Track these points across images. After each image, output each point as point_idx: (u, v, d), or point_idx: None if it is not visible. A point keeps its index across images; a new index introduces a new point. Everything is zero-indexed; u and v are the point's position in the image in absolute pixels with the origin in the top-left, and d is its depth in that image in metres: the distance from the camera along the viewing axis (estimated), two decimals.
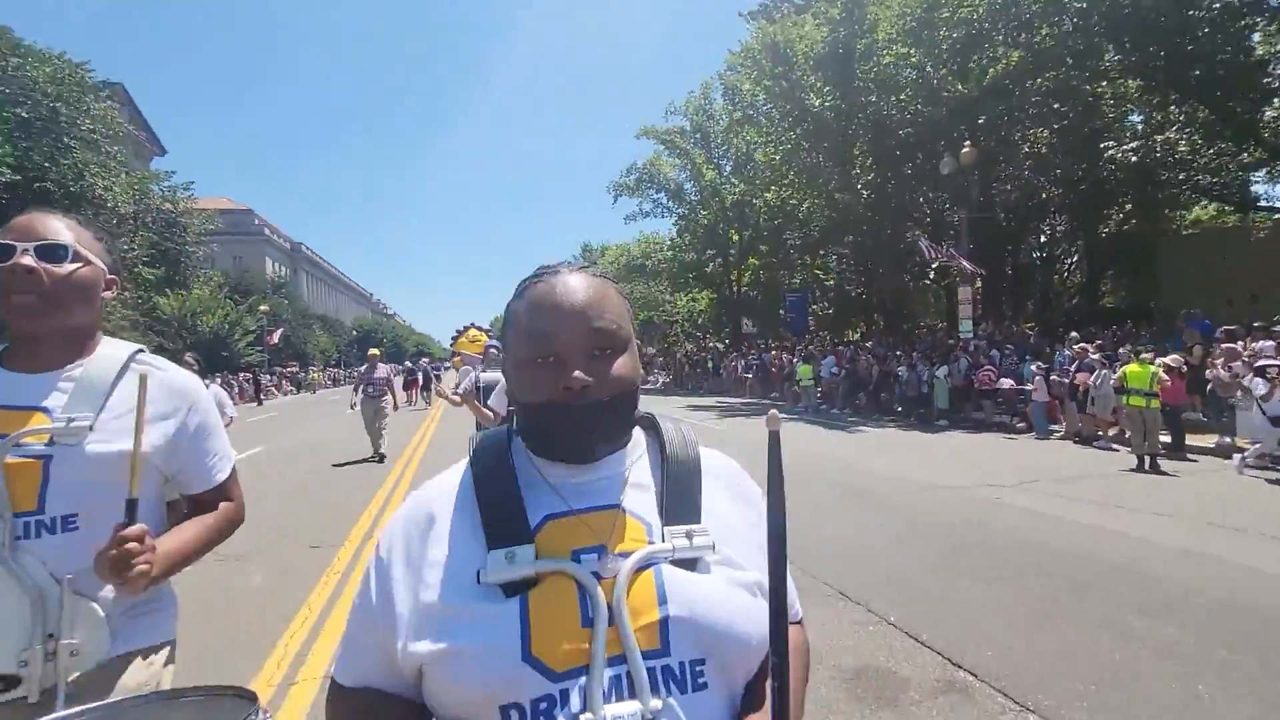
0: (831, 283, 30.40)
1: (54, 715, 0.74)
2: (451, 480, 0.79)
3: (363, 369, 10.71)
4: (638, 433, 0.84)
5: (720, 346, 33.25)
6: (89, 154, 13.46)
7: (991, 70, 16.69)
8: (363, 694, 0.74)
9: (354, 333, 73.09)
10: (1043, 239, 23.29)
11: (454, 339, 29.32)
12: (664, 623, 0.66)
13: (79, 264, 1.18)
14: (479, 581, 0.68)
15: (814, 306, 31.32)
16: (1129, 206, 19.13)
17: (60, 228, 1.20)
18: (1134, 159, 16.32)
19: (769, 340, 27.81)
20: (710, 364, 30.00)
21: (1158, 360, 9.20)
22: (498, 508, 0.72)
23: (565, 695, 0.63)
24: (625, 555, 0.69)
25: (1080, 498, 6.48)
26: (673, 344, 42.75)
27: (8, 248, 1.13)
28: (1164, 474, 7.83)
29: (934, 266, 20.32)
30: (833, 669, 3.01)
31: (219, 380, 30.03)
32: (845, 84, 18.39)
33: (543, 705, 0.63)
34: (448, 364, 41.08)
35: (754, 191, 27.67)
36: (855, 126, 19.21)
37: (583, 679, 0.64)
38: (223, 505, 1.35)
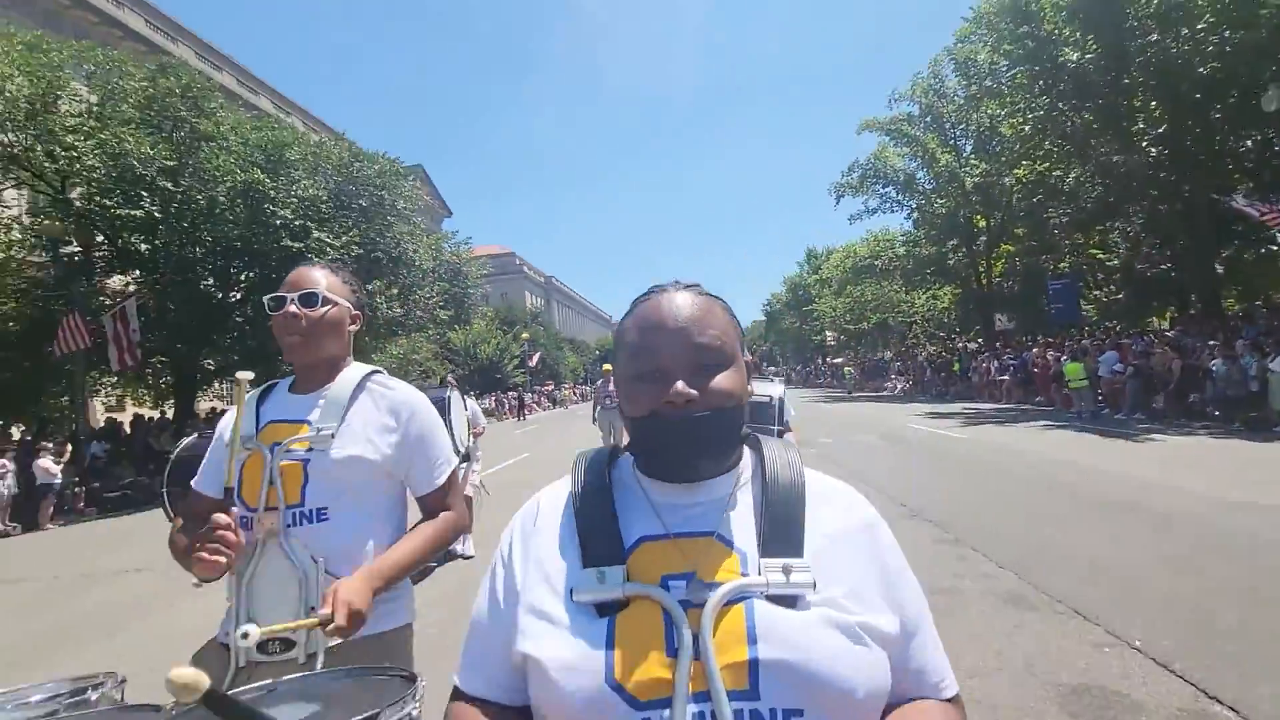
0: (1116, 262, 25.17)
1: (253, 685, 0.88)
2: (561, 492, 0.80)
3: (599, 383, 11.50)
4: (746, 455, 0.81)
5: (971, 346, 29.67)
6: (403, 226, 17.45)
7: None
8: (480, 705, 0.73)
9: (597, 351, 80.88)
10: None
11: None
12: (753, 664, 0.61)
13: (328, 306, 1.42)
14: (572, 598, 0.68)
15: (1096, 292, 26.27)
16: None
17: (317, 278, 1.44)
18: None
19: (1035, 336, 24.07)
20: (957, 366, 27.01)
21: None
22: (593, 526, 0.72)
23: None
24: (715, 585, 0.65)
25: None
26: (912, 346, 39.32)
27: (281, 299, 1.40)
28: None
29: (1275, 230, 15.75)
30: (1046, 684, 2.78)
31: (479, 397, 35.87)
32: (1114, 27, 15.43)
33: None
34: None
35: (1001, 169, 24.40)
36: (1133, 74, 15.94)
37: (666, 711, 0.60)
38: (443, 515, 1.44)
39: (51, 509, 11.50)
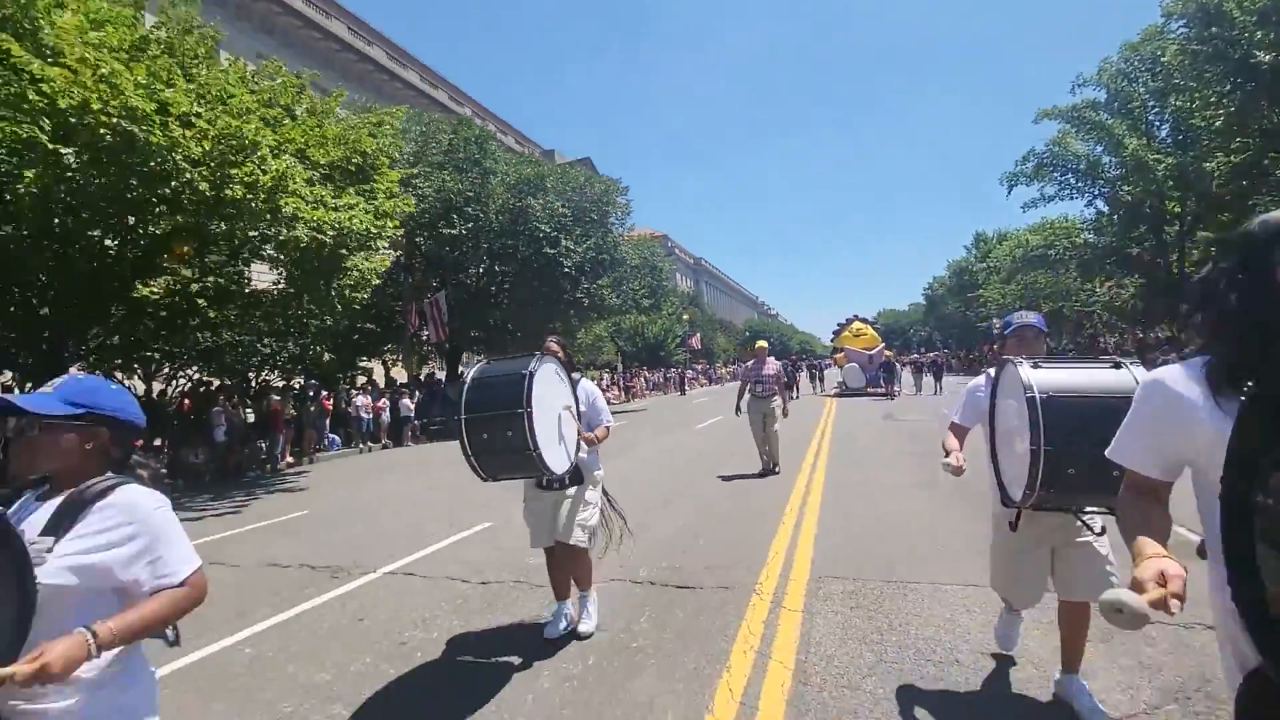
0: None
1: None
2: None
3: (749, 365, 8.93)
4: None
5: (1157, 337, 28.57)
6: (619, 231, 21.82)
7: None
8: None
9: (746, 334, 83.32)
10: None
11: (835, 333, 31.82)
12: None
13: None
14: None
15: None
16: None
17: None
18: None
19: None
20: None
21: None
22: None
23: None
24: None
25: None
26: (1092, 337, 37.66)
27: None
28: None
29: None
30: None
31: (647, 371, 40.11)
32: None
33: None
34: (828, 361, 44.85)
35: (1201, 155, 23.61)
36: None
37: None
38: None
39: (411, 432, 17.26)
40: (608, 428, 3.70)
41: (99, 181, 8.07)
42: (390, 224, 11.01)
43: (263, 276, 13.23)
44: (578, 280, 19.70)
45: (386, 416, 16.94)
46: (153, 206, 9.18)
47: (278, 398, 13.52)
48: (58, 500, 1.40)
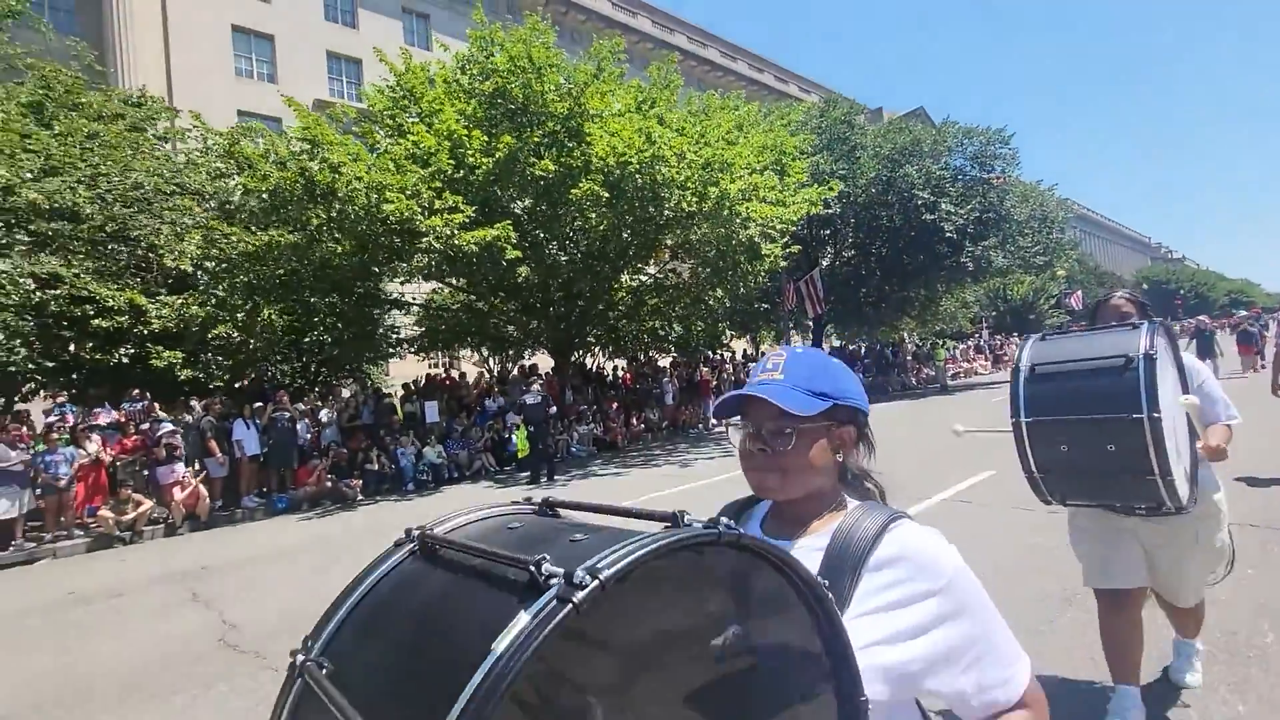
0: None
1: None
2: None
3: None
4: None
5: None
6: (995, 187, 20.06)
7: None
8: None
9: (1143, 286, 66.40)
10: None
11: None
12: None
13: None
14: None
15: None
16: None
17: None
18: None
19: None
20: None
21: None
22: None
23: None
24: None
25: None
26: None
27: None
28: None
29: None
30: None
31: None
32: None
33: None
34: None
35: None
36: None
37: None
38: None
39: None
40: (1229, 428, 2.35)
41: (619, 210, 11.14)
42: (816, 209, 12.42)
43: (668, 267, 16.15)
44: (960, 244, 18.81)
45: None
46: (646, 225, 12.15)
47: (706, 369, 16.41)
48: (808, 542, 0.92)
